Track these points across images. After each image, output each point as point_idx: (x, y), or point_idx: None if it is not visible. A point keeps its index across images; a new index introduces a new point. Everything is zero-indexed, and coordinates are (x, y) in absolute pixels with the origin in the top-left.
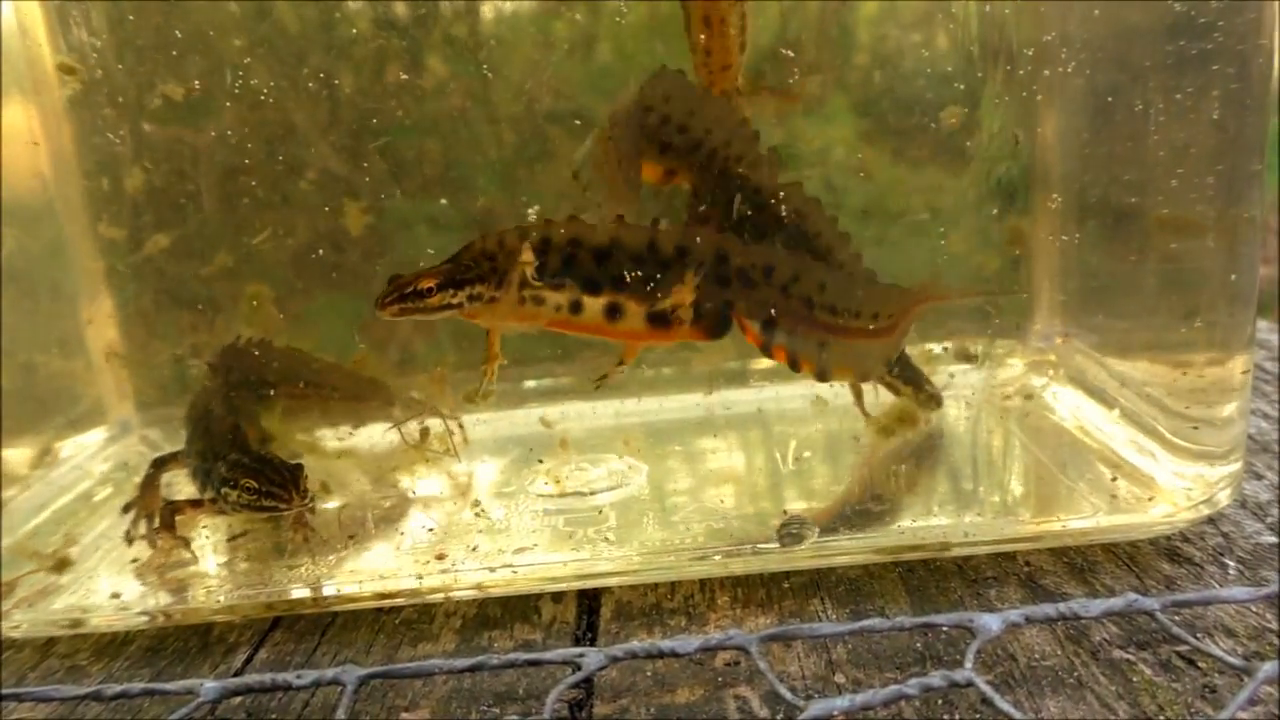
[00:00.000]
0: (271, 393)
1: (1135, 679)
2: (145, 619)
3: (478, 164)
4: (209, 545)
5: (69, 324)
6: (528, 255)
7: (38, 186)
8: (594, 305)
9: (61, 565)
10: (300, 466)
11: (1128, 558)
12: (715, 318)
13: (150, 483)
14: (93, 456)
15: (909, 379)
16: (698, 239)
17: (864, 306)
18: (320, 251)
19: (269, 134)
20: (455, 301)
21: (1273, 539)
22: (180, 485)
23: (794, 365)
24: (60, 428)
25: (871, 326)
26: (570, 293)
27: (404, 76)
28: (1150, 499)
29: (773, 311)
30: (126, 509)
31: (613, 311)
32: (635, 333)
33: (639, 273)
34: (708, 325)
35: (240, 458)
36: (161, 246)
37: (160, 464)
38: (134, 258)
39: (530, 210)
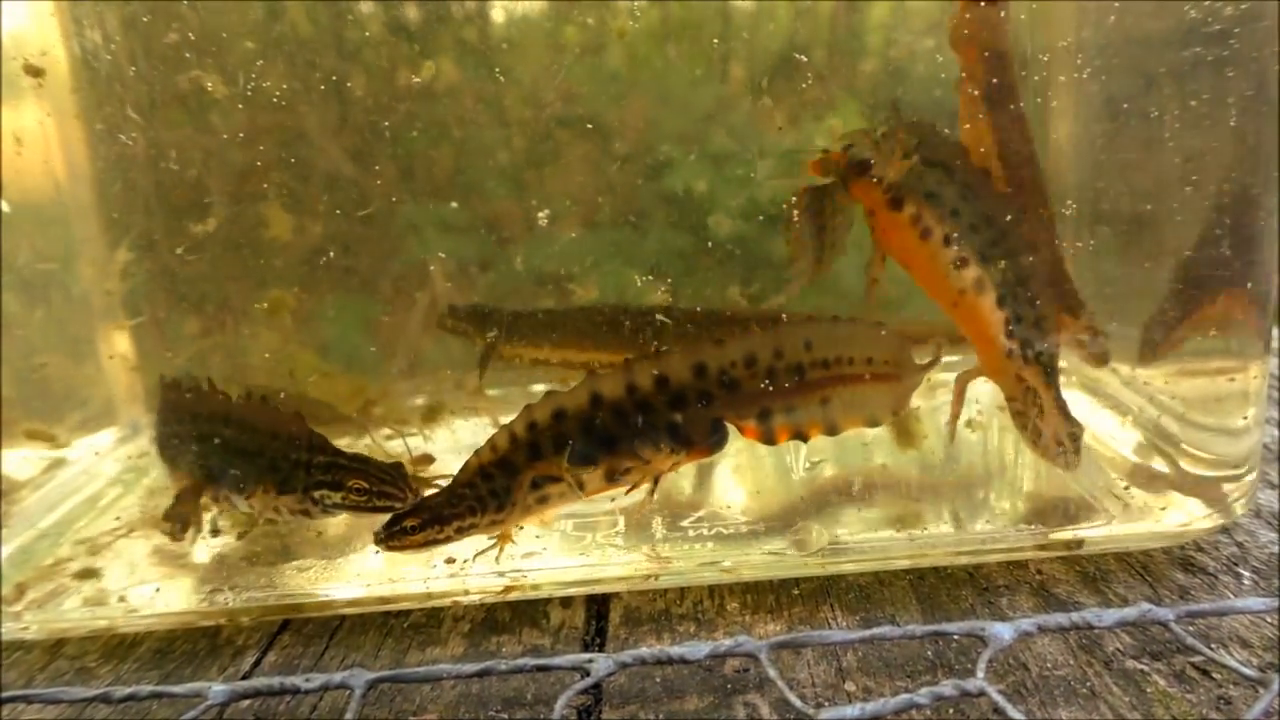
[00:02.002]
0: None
1: (1149, 689)
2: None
3: (488, 168)
4: (208, 546)
5: (79, 326)
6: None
7: (50, 188)
8: (596, 478)
9: (86, 574)
10: (400, 464)
11: (1141, 567)
12: (712, 438)
13: (190, 494)
14: (103, 458)
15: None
16: (672, 361)
17: (856, 352)
18: (330, 254)
19: (282, 136)
20: (442, 537)
21: None
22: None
23: (802, 438)
24: (71, 429)
25: (867, 373)
26: (572, 475)
27: (415, 80)
28: (1164, 508)
29: (764, 403)
30: (173, 519)
31: (612, 475)
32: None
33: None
34: (706, 448)
35: (332, 458)
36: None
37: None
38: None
39: (540, 215)
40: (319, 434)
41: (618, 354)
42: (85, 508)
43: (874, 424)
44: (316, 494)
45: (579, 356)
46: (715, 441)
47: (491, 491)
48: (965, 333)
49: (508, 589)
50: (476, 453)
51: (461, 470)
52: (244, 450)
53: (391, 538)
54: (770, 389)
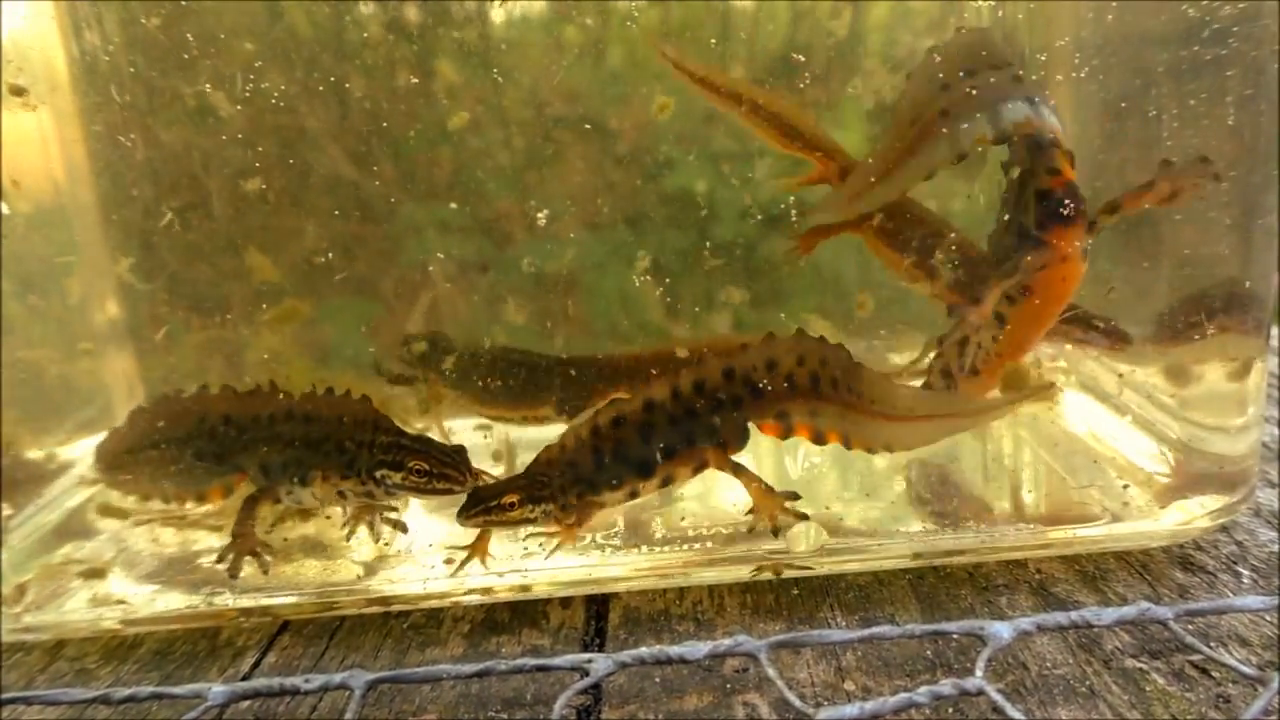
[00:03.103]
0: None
1: (1148, 688)
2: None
3: (488, 168)
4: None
5: (80, 327)
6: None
7: (50, 189)
8: (650, 487)
9: (95, 574)
10: (463, 448)
11: (1140, 566)
12: (736, 436)
13: (249, 517)
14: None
15: None
16: (709, 362)
17: (865, 388)
18: (330, 255)
19: (281, 138)
20: (533, 516)
21: None
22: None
23: (819, 440)
24: (70, 430)
25: (875, 407)
26: (629, 485)
27: (414, 80)
28: (1162, 506)
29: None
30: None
31: (666, 483)
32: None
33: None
34: (732, 448)
35: (395, 439)
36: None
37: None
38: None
39: (539, 215)
40: (384, 415)
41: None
42: (83, 508)
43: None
44: (378, 474)
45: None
46: (740, 440)
47: (562, 487)
48: None
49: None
50: (547, 449)
51: (534, 462)
52: (308, 440)
53: (488, 512)
54: (788, 394)
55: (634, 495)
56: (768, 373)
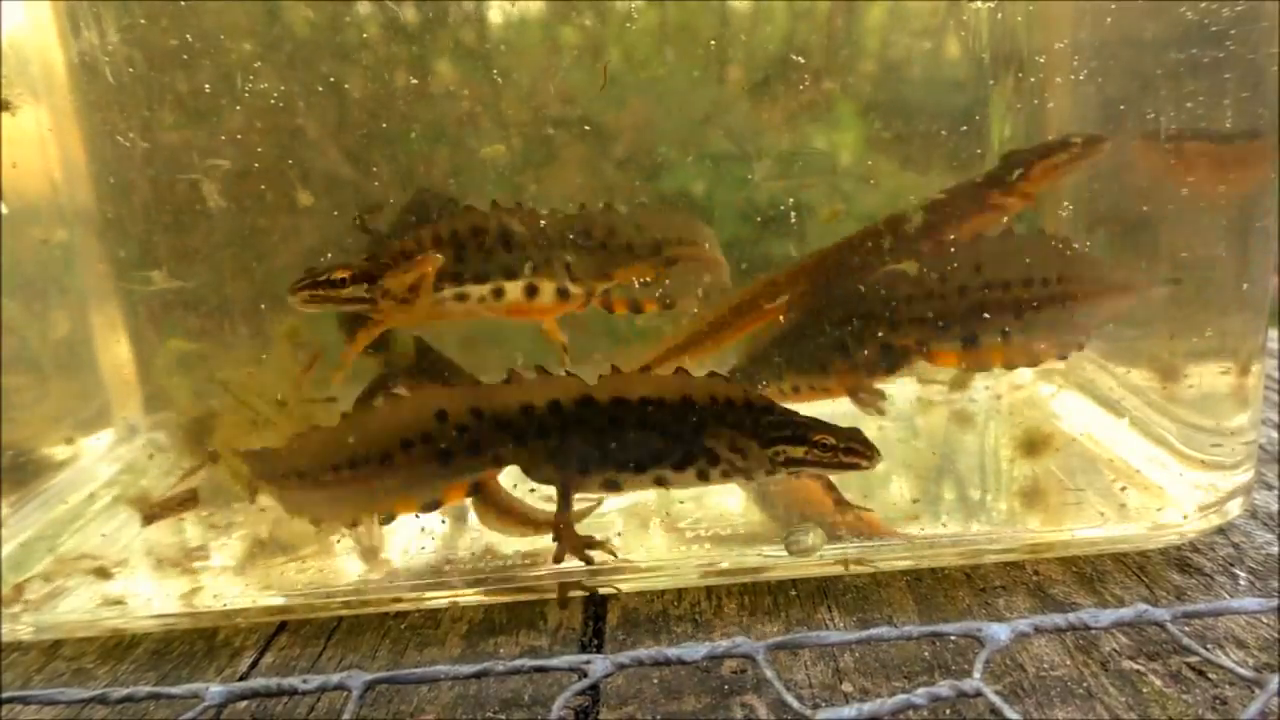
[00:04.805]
0: None
1: (1145, 690)
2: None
3: (486, 169)
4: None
5: (78, 326)
6: (433, 260)
7: (48, 189)
8: (514, 288)
9: (102, 573)
10: (858, 429)
11: (1137, 568)
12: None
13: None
14: (100, 459)
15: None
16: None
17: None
18: (329, 255)
19: (279, 138)
20: (368, 295)
21: None
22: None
23: (636, 309)
24: (68, 430)
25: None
26: (493, 283)
27: (413, 81)
28: (1160, 509)
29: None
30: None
31: (531, 291)
32: (546, 309)
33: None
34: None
35: (784, 416)
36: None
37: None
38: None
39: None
40: (757, 392)
41: None
42: (82, 509)
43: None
44: (770, 450)
45: None
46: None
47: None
48: None
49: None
50: (401, 239)
51: (384, 249)
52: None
53: (317, 286)
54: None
55: (498, 295)
56: None
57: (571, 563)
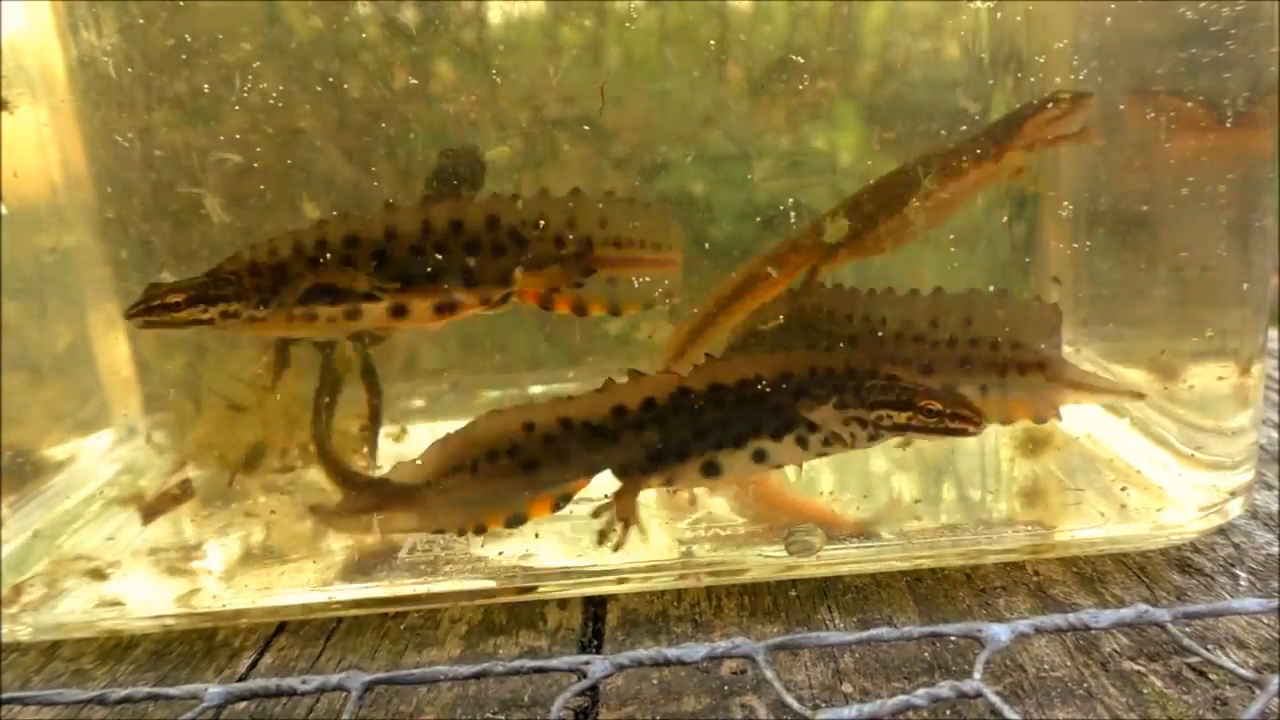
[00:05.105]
0: None
1: (1146, 690)
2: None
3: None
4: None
5: (76, 327)
6: (305, 280)
7: (47, 190)
8: (376, 310)
9: (97, 574)
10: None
11: (1138, 568)
12: (497, 286)
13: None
14: (100, 459)
15: None
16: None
17: (645, 236)
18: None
19: (279, 138)
20: (206, 318)
21: None
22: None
23: (581, 311)
24: (67, 430)
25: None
26: (349, 304)
27: (412, 81)
28: (1160, 509)
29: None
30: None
31: (398, 312)
32: (422, 321)
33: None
34: (493, 301)
35: (889, 381)
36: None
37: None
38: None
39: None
40: (857, 361)
41: None
42: (80, 509)
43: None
44: (873, 415)
45: None
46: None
47: (255, 288)
48: None
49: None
50: (252, 247)
51: (228, 260)
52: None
53: (150, 311)
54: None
55: (354, 316)
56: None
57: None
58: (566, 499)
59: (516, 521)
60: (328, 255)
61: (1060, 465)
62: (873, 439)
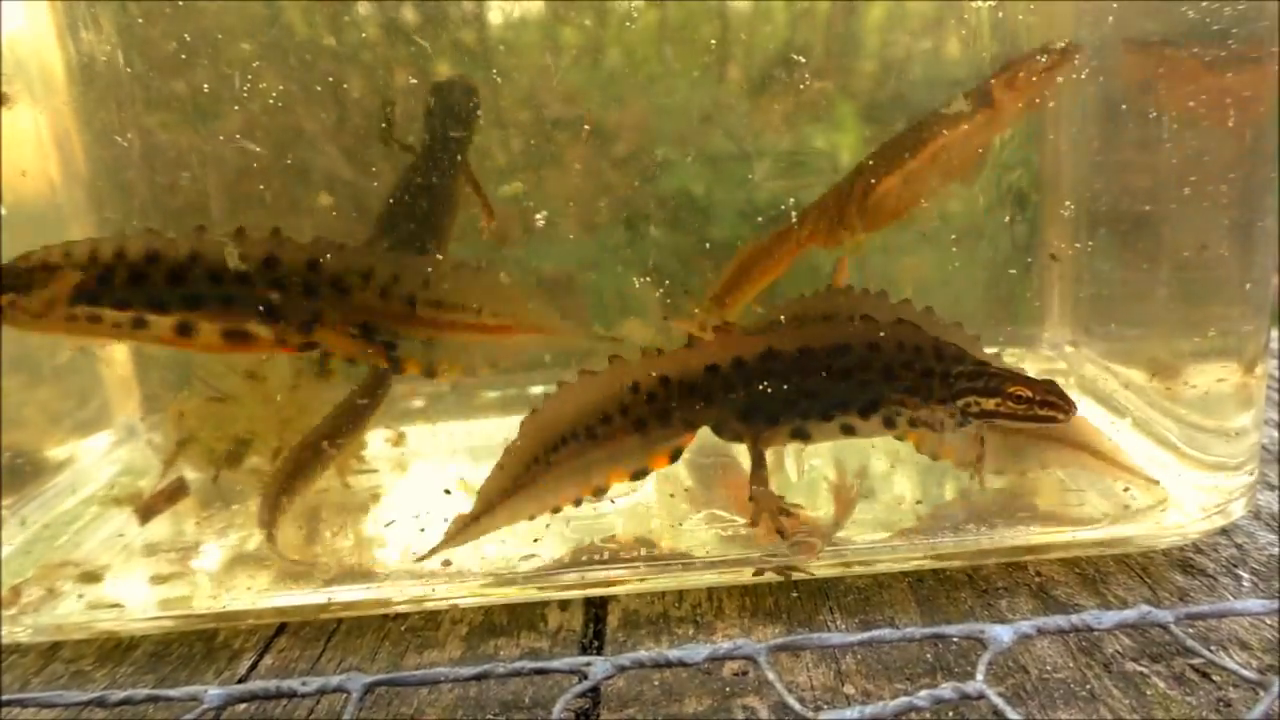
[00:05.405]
0: None
1: (1149, 692)
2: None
3: (486, 169)
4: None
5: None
6: (70, 277)
7: (47, 190)
8: (162, 323)
9: (90, 578)
10: (1054, 381)
11: (1140, 569)
12: (301, 335)
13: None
14: (99, 460)
15: None
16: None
17: (468, 299)
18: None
19: (279, 138)
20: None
21: None
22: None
23: (396, 368)
24: (66, 431)
25: (487, 321)
26: (134, 312)
27: (413, 80)
28: (1162, 509)
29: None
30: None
31: (184, 329)
32: (213, 347)
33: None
34: (297, 345)
35: (975, 367)
36: None
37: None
38: None
39: (538, 216)
40: (946, 342)
41: None
42: (79, 510)
43: (471, 374)
44: (960, 402)
45: None
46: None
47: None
48: None
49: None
50: (45, 248)
51: (22, 256)
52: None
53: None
54: (375, 309)
55: (139, 325)
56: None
57: None
58: (679, 453)
59: (641, 475)
60: (125, 265)
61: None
62: (960, 424)
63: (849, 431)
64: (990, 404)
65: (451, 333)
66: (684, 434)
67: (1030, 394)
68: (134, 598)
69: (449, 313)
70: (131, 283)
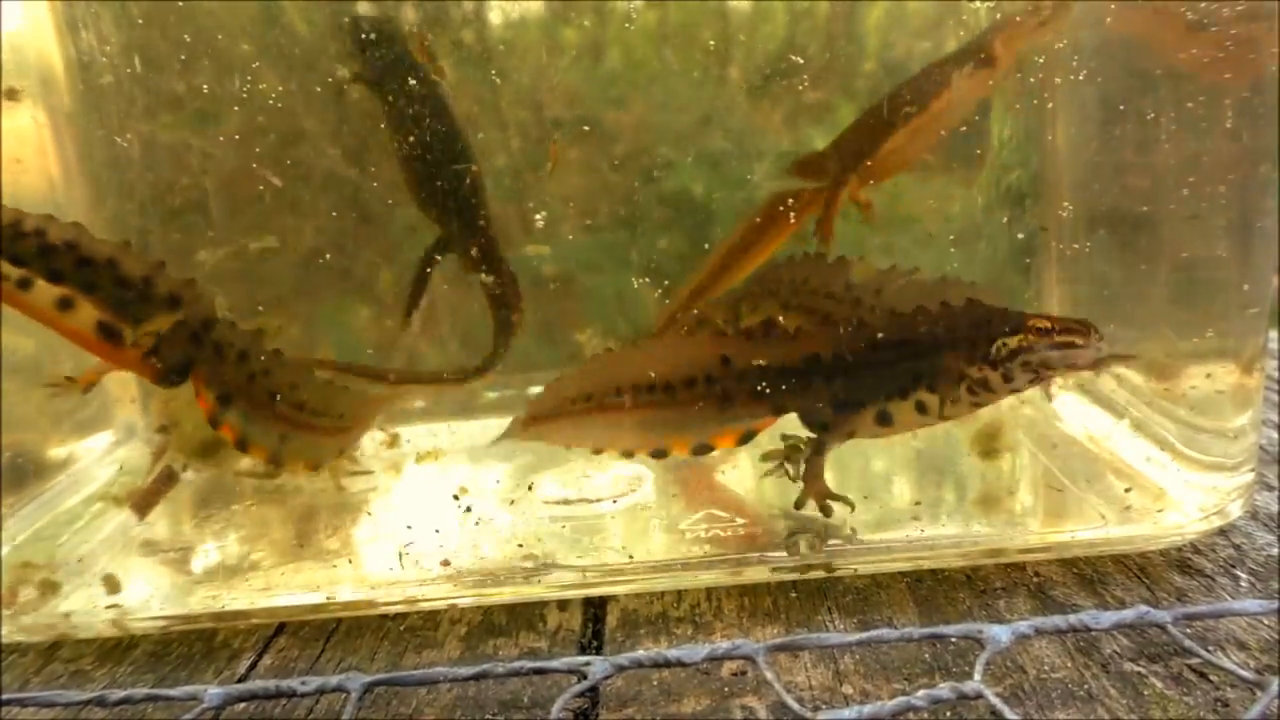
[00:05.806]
0: None
1: (1146, 692)
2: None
3: (486, 169)
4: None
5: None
6: None
7: (46, 188)
8: (47, 291)
9: (49, 588)
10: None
11: (1138, 569)
12: (172, 364)
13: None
14: (99, 460)
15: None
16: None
17: (330, 407)
18: (327, 256)
19: (278, 138)
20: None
21: None
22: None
23: (242, 447)
24: (66, 432)
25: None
26: (27, 272)
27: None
28: (1160, 510)
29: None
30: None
31: (65, 304)
32: (82, 335)
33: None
34: (160, 369)
35: (1016, 318)
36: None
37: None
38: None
39: (537, 217)
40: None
41: None
42: (79, 510)
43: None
44: (994, 347)
45: None
46: (171, 372)
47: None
48: None
49: None
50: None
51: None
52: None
53: None
54: (237, 388)
55: (25, 286)
56: None
57: None
58: (752, 435)
59: (703, 450)
60: (40, 235)
61: (1061, 466)
62: (1008, 379)
63: (922, 410)
64: (1014, 341)
65: (304, 432)
66: (766, 417)
67: (1049, 325)
68: (134, 597)
69: (303, 415)
70: (39, 251)
